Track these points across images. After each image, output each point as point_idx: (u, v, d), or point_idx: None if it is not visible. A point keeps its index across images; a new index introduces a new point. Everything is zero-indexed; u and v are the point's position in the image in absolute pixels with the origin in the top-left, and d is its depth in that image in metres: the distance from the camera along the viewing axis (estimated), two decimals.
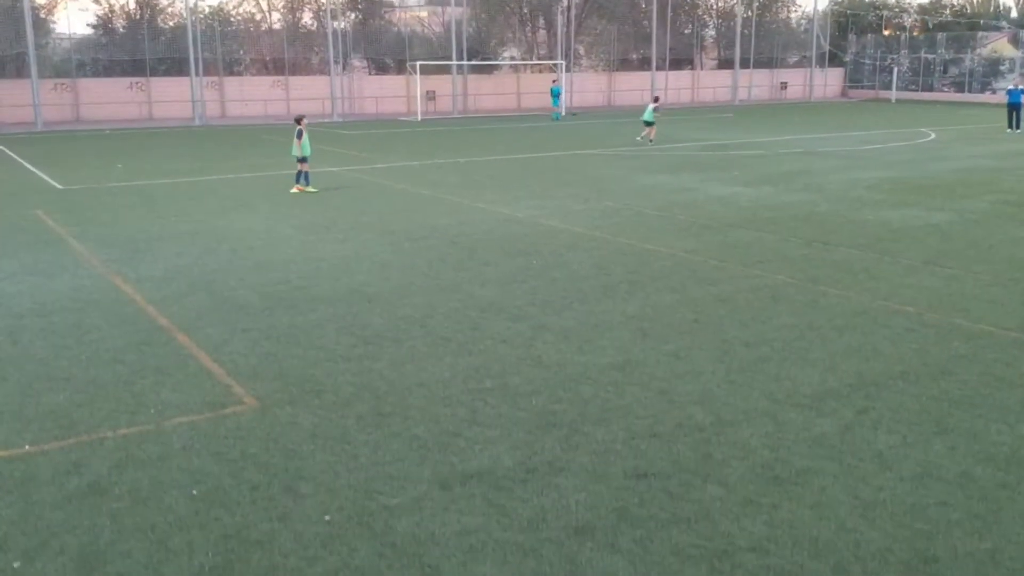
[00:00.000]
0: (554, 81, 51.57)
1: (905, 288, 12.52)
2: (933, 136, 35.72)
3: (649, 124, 33.26)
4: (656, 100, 35.72)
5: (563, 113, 48.35)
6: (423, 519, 6.35)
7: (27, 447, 7.51)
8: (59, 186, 22.90)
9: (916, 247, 15.22)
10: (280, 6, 54.10)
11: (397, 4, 58.95)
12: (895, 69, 66.45)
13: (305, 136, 21.24)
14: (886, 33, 71.70)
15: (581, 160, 28.91)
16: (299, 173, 21.47)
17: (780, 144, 33.38)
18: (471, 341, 10.25)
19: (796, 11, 71.91)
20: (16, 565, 5.78)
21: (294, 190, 21.23)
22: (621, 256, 14.59)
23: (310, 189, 21.32)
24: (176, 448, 7.48)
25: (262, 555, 5.89)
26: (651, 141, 32.94)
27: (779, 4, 70.00)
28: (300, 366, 9.46)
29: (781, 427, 7.88)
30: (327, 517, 6.37)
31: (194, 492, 6.73)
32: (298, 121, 21.65)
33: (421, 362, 9.56)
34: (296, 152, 21.29)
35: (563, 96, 48.85)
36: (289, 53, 51.70)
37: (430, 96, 52.02)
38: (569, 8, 59.42)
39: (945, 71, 70.07)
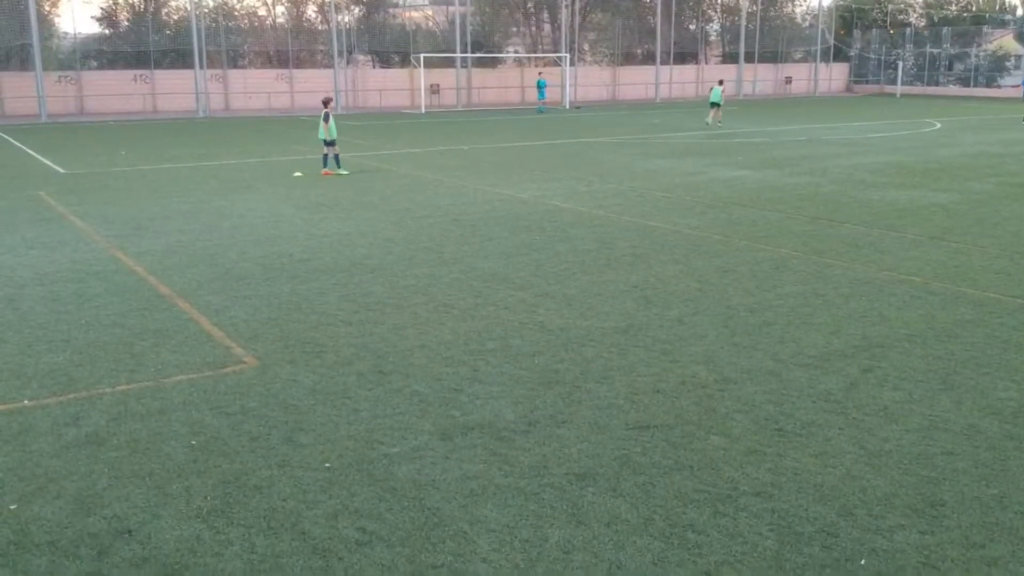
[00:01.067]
0: (540, 73, 51.64)
1: (911, 260, 12.44)
2: (939, 126, 35.57)
3: (715, 106, 34.99)
4: (721, 83, 37.34)
5: (546, 107, 48.39)
6: (423, 466, 6.28)
7: (26, 402, 7.46)
8: (62, 170, 22.87)
9: (921, 224, 15.12)
10: (284, 0, 54.11)
11: (401, 3, 58.86)
12: (900, 64, 66.28)
13: (332, 119, 21.23)
14: (891, 32, 71.49)
15: (585, 148, 28.83)
16: (325, 156, 21.44)
17: (784, 133, 33.27)
18: (473, 308, 10.19)
19: (801, 6, 71.82)
20: (12, 507, 5.72)
21: (323, 173, 21.13)
22: (625, 232, 14.51)
23: (342, 171, 21.23)
24: (175, 403, 7.42)
25: (260, 499, 5.83)
26: (719, 124, 34.66)
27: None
28: (301, 329, 9.40)
29: (785, 384, 7.80)
30: (327, 464, 6.31)
31: (193, 442, 6.67)
32: (326, 104, 21.64)
33: (423, 326, 9.50)
34: (324, 135, 21.27)
35: (548, 89, 48.97)
36: (293, 47, 51.68)
37: (434, 90, 51.95)
38: (573, 2, 59.30)
39: (950, 67, 69.91)
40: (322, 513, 5.65)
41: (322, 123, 21.32)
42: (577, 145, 29.56)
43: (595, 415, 7.15)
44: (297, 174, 21.22)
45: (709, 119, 35.19)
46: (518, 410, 7.25)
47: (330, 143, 21.26)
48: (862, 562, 5.10)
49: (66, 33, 48.54)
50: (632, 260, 12.52)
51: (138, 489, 5.95)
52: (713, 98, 35.69)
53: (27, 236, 14.25)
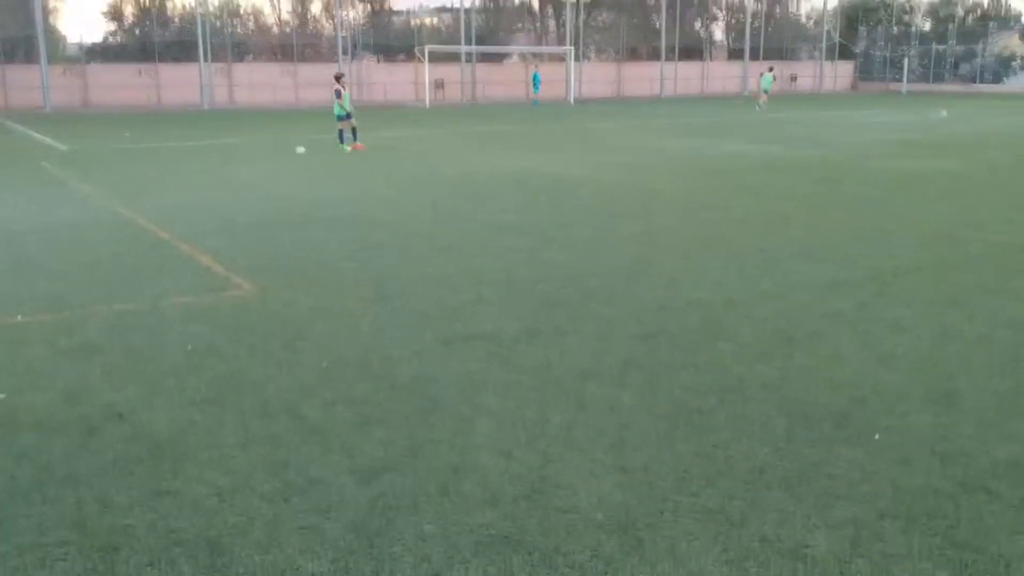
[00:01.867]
0: (535, 67, 51.58)
1: (919, 212, 12.30)
2: (945, 113, 35.40)
3: (764, 92, 39.26)
4: (771, 70, 41.73)
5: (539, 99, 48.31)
6: (423, 365, 6.14)
7: (19, 317, 7.32)
8: (64, 147, 22.78)
9: (930, 185, 14.97)
10: None
11: (406, 11, 58.74)
12: (905, 60, 66.09)
13: (345, 94, 21.14)
14: (896, 31, 71.29)
15: (590, 129, 28.69)
16: (341, 132, 21.33)
17: (789, 119, 33.09)
18: (477, 250, 10.04)
19: (806, 3, 71.68)
20: (2, 396, 5.59)
21: (348, 148, 20.97)
22: (630, 192, 14.38)
23: (356, 146, 21.08)
24: (172, 318, 7.29)
25: (256, 391, 5.69)
26: (765, 107, 38.02)
27: None
28: (301, 264, 9.27)
29: (793, 305, 7.65)
30: (324, 364, 6.17)
31: (188, 348, 6.53)
32: (337, 79, 21.55)
33: (425, 262, 9.35)
34: (338, 110, 21.19)
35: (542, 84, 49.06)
36: (298, 41, 51.65)
37: (438, 84, 51.83)
38: (578, 1, 59.24)
39: (956, 67, 69.65)
40: (319, 402, 5.50)
41: (336, 99, 21.22)
42: (582, 128, 29.42)
43: (599, 327, 7.01)
44: (300, 150, 21.07)
45: (759, 105, 38.78)
46: (521, 324, 7.11)
47: (345, 117, 21.16)
48: (876, 437, 4.95)
49: (73, 42, 48.57)
50: (638, 212, 12.38)
51: (131, 384, 5.82)
52: (764, 84, 39.39)
53: (28, 196, 14.14)
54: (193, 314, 7.40)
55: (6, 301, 7.86)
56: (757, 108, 38.09)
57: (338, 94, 21.14)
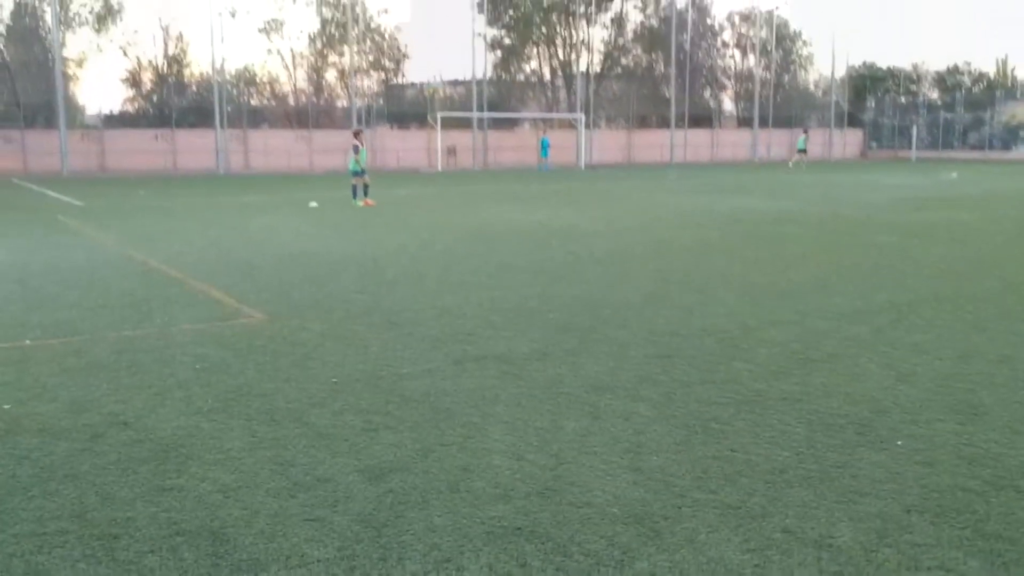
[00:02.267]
0: (543, 132, 52.10)
1: (933, 254, 12.21)
2: (956, 176, 35.48)
3: (801, 151, 42.65)
4: (805, 131, 45.33)
5: (550, 165, 48.52)
6: (434, 382, 6.04)
7: (27, 341, 7.26)
8: (80, 203, 22.97)
9: (942, 233, 14.90)
10: (305, 65, 55.06)
11: (420, 83, 59.60)
12: (914, 128, 66.56)
13: (363, 150, 21.35)
14: (904, 100, 71.96)
15: (600, 187, 28.80)
16: (355, 187, 21.49)
17: (799, 182, 33.20)
18: (488, 285, 9.98)
19: (815, 73, 72.51)
20: (7, 407, 5.50)
21: (360, 204, 21.08)
22: (641, 239, 14.36)
23: (357, 203, 21.18)
24: (181, 341, 7.22)
25: (264, 401, 5.59)
26: (802, 166, 40.86)
27: (797, 66, 70.71)
28: (312, 297, 9.21)
29: (809, 331, 7.54)
30: (334, 380, 6.07)
31: (197, 366, 6.44)
32: (356, 135, 21.79)
33: (437, 296, 9.29)
34: (354, 166, 21.39)
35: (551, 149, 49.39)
36: (313, 109, 52.44)
37: (451, 151, 52.36)
38: (588, 69, 60.14)
39: (965, 135, 70.05)
40: (328, 411, 5.40)
41: (352, 153, 21.44)
42: (593, 188, 29.55)
43: (612, 349, 6.90)
44: (313, 204, 21.20)
45: (792, 162, 42.26)
46: (533, 346, 7.01)
47: (360, 173, 21.33)
48: (899, 443, 4.80)
49: (93, 114, 49.42)
50: (649, 256, 12.34)
51: (138, 396, 5.73)
52: (800, 145, 43.17)
53: (43, 242, 14.20)
54: (202, 338, 7.33)
55: (16, 328, 7.81)
56: (790, 165, 40.48)
57: (356, 149, 21.36)
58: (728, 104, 69.53)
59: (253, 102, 52.77)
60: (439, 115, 48.78)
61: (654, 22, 62.55)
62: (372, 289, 9.64)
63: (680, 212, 19.47)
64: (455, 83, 61.76)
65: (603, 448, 4.75)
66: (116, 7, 47.21)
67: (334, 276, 10.56)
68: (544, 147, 49.18)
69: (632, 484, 4.27)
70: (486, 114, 52.94)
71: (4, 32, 46.47)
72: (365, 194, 21.48)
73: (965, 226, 16.00)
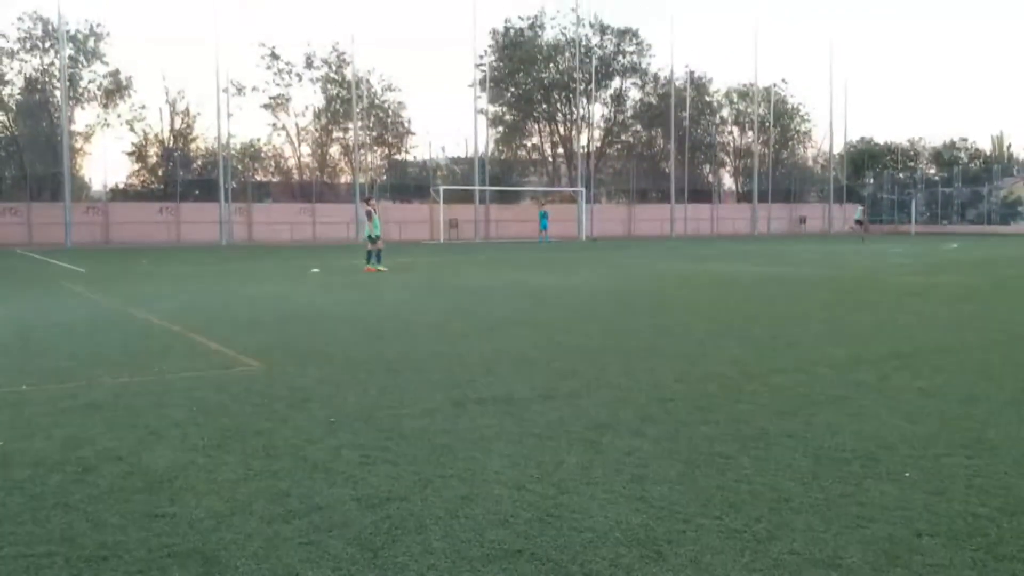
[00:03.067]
0: (543, 205, 52.57)
1: (935, 311, 12.17)
2: (956, 246, 35.62)
3: (859, 223, 46.30)
4: (862, 202, 49.98)
5: (549, 238, 48.76)
6: (433, 421, 5.96)
7: (24, 387, 7.19)
8: (83, 270, 23.04)
9: (945, 294, 14.88)
10: (309, 140, 55.78)
11: (423, 160, 60.35)
12: (913, 202, 67.07)
13: (376, 217, 21.53)
14: (902, 175, 72.68)
15: (601, 256, 28.89)
16: (369, 253, 21.59)
17: (797, 251, 33.33)
18: (490, 337, 9.92)
19: (813, 148, 73.37)
20: (0, 444, 5.42)
21: (365, 271, 21.15)
22: (643, 298, 14.34)
23: (381, 268, 21.23)
24: (177, 387, 7.15)
25: (260, 439, 5.51)
26: (861, 238, 43.80)
27: (795, 142, 71.58)
28: (311, 347, 9.15)
29: (814, 376, 7.47)
30: (332, 419, 5.99)
31: (194, 408, 6.37)
32: (367, 202, 21.99)
33: (437, 346, 9.22)
34: (368, 232, 21.55)
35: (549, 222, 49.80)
36: (317, 183, 52.97)
37: (452, 224, 52.74)
38: (589, 144, 60.90)
39: (963, 210, 70.54)
40: (324, 447, 5.31)
41: (367, 221, 21.62)
42: (594, 256, 29.65)
43: (615, 393, 6.83)
44: (315, 270, 21.25)
45: (851, 227, 47.27)
46: (534, 391, 6.94)
47: (375, 239, 21.47)
48: (907, 474, 4.70)
49: (98, 189, 49.94)
50: (649, 310, 12.30)
51: (132, 433, 5.65)
52: (857, 216, 47.86)
53: (46, 303, 14.19)
54: (199, 383, 7.26)
55: (14, 374, 7.74)
56: (862, 241, 42.13)
57: (369, 216, 21.53)
58: (727, 180, 70.23)
59: (258, 177, 53.32)
60: (441, 188, 49.26)
61: (653, 99, 63.50)
62: (373, 341, 9.60)
63: (679, 276, 19.49)
64: (458, 161, 62.54)
65: (605, 479, 4.66)
66: (124, 83, 47.97)
67: (334, 330, 10.52)
68: (543, 219, 49.54)
69: (635, 511, 4.18)
70: (488, 187, 53.44)
71: (14, 107, 47.18)
72: (379, 260, 21.53)
73: (964, 287, 15.99)
